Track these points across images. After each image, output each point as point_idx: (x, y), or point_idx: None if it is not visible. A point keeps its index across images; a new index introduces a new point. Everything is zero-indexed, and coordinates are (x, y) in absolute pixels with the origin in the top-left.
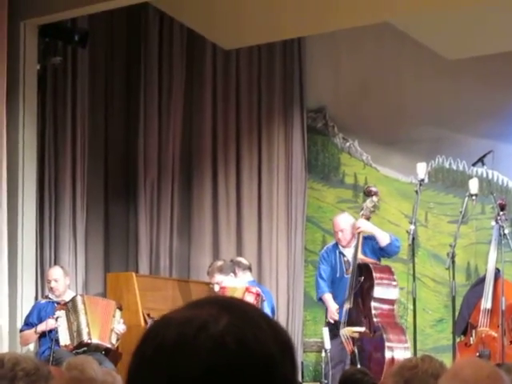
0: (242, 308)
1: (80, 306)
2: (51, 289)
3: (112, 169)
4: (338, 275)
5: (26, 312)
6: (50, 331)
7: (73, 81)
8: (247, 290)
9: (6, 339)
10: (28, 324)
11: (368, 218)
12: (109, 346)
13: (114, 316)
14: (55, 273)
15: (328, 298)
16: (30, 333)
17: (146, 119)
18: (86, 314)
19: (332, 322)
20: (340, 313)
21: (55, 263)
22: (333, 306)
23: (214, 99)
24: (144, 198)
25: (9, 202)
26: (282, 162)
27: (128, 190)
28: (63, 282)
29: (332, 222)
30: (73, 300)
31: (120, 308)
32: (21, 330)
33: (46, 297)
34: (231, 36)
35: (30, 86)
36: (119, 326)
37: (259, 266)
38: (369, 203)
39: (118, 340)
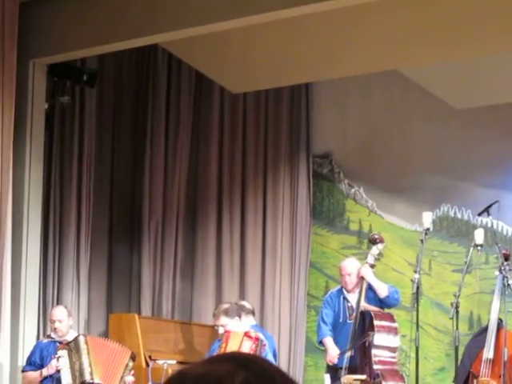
0: (260, 365)
1: (82, 346)
2: (55, 329)
3: (117, 209)
4: (341, 320)
5: (27, 351)
6: (53, 373)
7: (80, 120)
8: (246, 334)
9: (6, 378)
10: (30, 363)
11: (373, 266)
12: None
13: (127, 365)
14: (59, 313)
15: (329, 341)
16: (35, 375)
17: (152, 160)
18: (88, 353)
19: (331, 364)
20: (342, 359)
21: (58, 302)
22: (333, 349)
23: (220, 142)
24: (148, 240)
25: (13, 240)
26: (286, 206)
27: (132, 231)
28: (67, 323)
29: (339, 266)
30: (75, 340)
31: (133, 358)
32: (23, 370)
33: (48, 336)
34: (239, 80)
35: (37, 124)
36: (129, 378)
37: (262, 310)
38: (374, 251)
39: None
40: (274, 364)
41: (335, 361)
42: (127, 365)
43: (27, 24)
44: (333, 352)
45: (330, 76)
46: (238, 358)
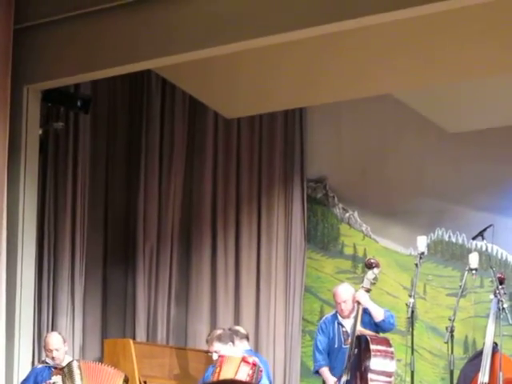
0: None
1: (76, 371)
2: (53, 358)
3: (111, 234)
4: (336, 346)
5: (22, 376)
6: None
7: (74, 146)
8: (243, 360)
9: None
10: None
11: (368, 291)
12: None
13: None
14: (56, 342)
15: (325, 371)
16: None
17: (146, 185)
18: (81, 379)
19: None
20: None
21: (53, 327)
22: (331, 380)
23: (214, 166)
24: (143, 264)
25: (8, 265)
26: (281, 230)
27: (127, 256)
28: (63, 350)
29: (333, 293)
30: (68, 365)
31: (126, 381)
32: None
33: (43, 361)
34: (232, 105)
35: (31, 149)
36: None
37: (256, 335)
38: (370, 275)
39: None
40: None
41: None
42: None
43: (21, 50)
44: (331, 382)
45: (323, 101)
46: None
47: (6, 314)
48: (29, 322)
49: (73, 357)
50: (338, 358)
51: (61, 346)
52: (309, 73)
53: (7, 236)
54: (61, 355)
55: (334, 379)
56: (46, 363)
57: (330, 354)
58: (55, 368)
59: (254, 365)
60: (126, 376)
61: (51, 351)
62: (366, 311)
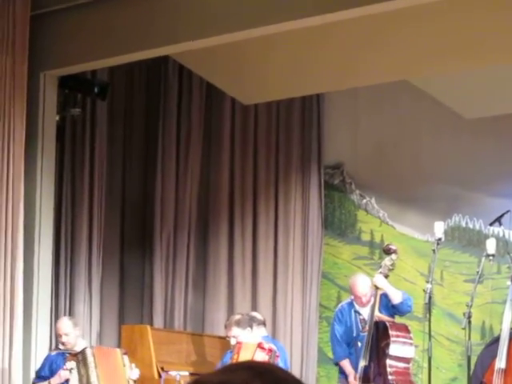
0: (275, 374)
1: (90, 359)
2: (63, 343)
3: (128, 221)
4: (354, 334)
5: (40, 363)
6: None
7: (91, 132)
8: (259, 346)
9: None
10: (40, 377)
11: (386, 276)
12: None
13: (124, 365)
14: (65, 327)
15: (346, 364)
16: None
17: (163, 172)
18: (96, 367)
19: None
20: (355, 370)
21: (70, 314)
22: (351, 373)
23: (231, 153)
24: (160, 251)
25: (25, 252)
26: (298, 217)
27: (144, 243)
28: (74, 335)
29: (351, 286)
30: (83, 352)
31: (126, 353)
32: (33, 383)
33: (57, 348)
34: (250, 91)
35: (48, 136)
36: (133, 373)
37: (274, 321)
38: (387, 261)
39: None
40: (289, 372)
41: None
42: (124, 364)
43: (38, 36)
44: (351, 377)
45: (341, 87)
46: (253, 367)
47: (23, 301)
48: (46, 310)
49: (90, 343)
50: (356, 346)
51: (71, 331)
52: (333, 58)
53: (24, 223)
54: (71, 340)
55: (354, 373)
56: (60, 349)
57: (348, 343)
58: (69, 354)
59: (270, 350)
60: (121, 349)
61: (61, 336)
62: (382, 295)
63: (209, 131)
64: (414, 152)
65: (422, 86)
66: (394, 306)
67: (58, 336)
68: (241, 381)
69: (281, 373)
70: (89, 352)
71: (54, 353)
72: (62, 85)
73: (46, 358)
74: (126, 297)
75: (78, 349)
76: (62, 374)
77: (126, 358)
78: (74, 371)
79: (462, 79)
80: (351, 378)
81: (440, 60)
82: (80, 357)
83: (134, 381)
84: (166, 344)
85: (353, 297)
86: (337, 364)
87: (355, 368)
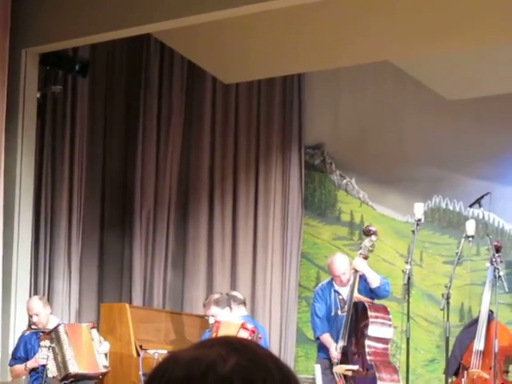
0: (252, 350)
1: (63, 337)
2: (34, 323)
3: (108, 199)
4: (332, 314)
5: (16, 343)
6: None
7: (72, 109)
8: (243, 326)
9: None
10: (16, 358)
11: (366, 258)
12: (103, 371)
13: (92, 339)
14: (35, 307)
15: (327, 337)
16: (20, 368)
17: (143, 150)
18: (70, 344)
19: (335, 361)
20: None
21: (49, 291)
22: (333, 345)
23: (212, 132)
24: (139, 229)
25: (4, 229)
26: (278, 197)
27: (124, 221)
28: (44, 314)
29: (329, 266)
30: (55, 331)
31: (94, 327)
32: (10, 365)
33: (29, 327)
34: (231, 70)
35: (29, 113)
36: (103, 346)
37: (253, 301)
38: (367, 242)
39: (107, 358)
40: (266, 349)
41: (338, 356)
42: (92, 339)
43: (19, 13)
44: (333, 349)
45: (322, 67)
46: (230, 342)
47: (2, 278)
48: (25, 287)
49: (69, 320)
50: (335, 325)
51: (41, 311)
52: (314, 38)
53: (4, 200)
54: (42, 319)
55: (335, 344)
56: (33, 329)
57: (327, 321)
58: (43, 333)
59: (253, 331)
60: (89, 323)
61: (31, 316)
62: (362, 277)
63: (190, 110)
64: (395, 133)
65: (404, 67)
66: (371, 290)
67: (29, 316)
68: (216, 356)
69: (258, 349)
70: (62, 330)
71: (27, 332)
72: (43, 62)
73: (20, 338)
74: (106, 275)
75: (50, 327)
76: (40, 358)
77: (94, 331)
78: (48, 351)
79: (443, 61)
80: (332, 349)
81: (422, 40)
82: (53, 335)
83: (105, 354)
84: (145, 322)
85: (332, 277)
86: (318, 338)
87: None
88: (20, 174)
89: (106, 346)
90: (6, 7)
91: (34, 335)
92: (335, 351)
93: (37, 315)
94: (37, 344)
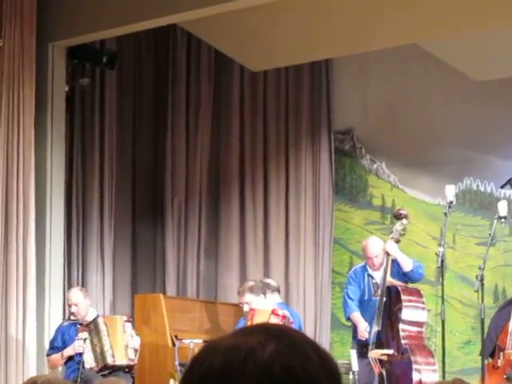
0: (291, 336)
1: (102, 327)
2: (73, 313)
3: (140, 191)
4: (366, 297)
5: (53, 333)
6: (75, 355)
7: (101, 102)
8: (273, 312)
9: (33, 361)
10: (53, 348)
11: (398, 241)
12: (130, 363)
13: (124, 331)
14: (75, 297)
15: (357, 316)
16: (57, 357)
17: (173, 141)
18: (108, 335)
19: (363, 339)
20: (369, 335)
21: (83, 284)
22: (363, 324)
23: (241, 120)
24: (171, 220)
25: (37, 223)
26: (309, 183)
27: (155, 212)
28: (84, 305)
29: (363, 248)
30: (95, 322)
31: (128, 320)
32: (47, 355)
33: (69, 318)
34: (259, 58)
35: (58, 107)
36: (134, 341)
37: (286, 288)
38: (399, 226)
39: (136, 353)
40: (304, 334)
41: (366, 335)
42: (125, 331)
43: (46, 7)
44: (363, 327)
45: (350, 52)
46: (268, 329)
47: (36, 272)
48: (59, 280)
49: (103, 313)
50: (368, 309)
51: (80, 301)
52: (341, 23)
53: (36, 194)
54: (81, 310)
55: (366, 324)
56: (72, 320)
57: (360, 305)
58: (81, 324)
59: (284, 317)
60: (125, 316)
61: (70, 306)
62: (394, 262)
63: (218, 99)
64: (424, 116)
65: (431, 50)
66: (404, 274)
67: (68, 306)
68: (255, 343)
69: (296, 334)
70: (101, 321)
71: (65, 323)
72: (70, 55)
73: (58, 329)
74: (139, 266)
75: (88, 319)
76: (76, 346)
77: (128, 325)
78: (86, 342)
79: (470, 42)
80: (361, 327)
81: (449, 23)
82: (92, 326)
83: (135, 350)
84: (180, 312)
85: (366, 260)
86: (348, 318)
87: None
88: (51, 168)
89: (136, 341)
90: (32, 2)
91: (73, 326)
92: (364, 330)
93: (76, 305)
94: (74, 335)
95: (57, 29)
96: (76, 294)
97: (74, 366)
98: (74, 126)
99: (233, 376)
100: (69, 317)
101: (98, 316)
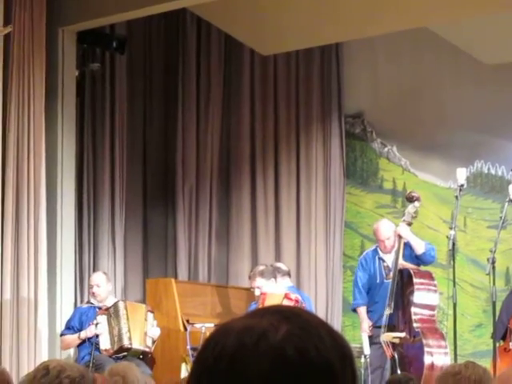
0: (303, 317)
1: (122, 311)
2: (93, 294)
3: (150, 175)
4: (377, 281)
5: (65, 317)
6: (91, 337)
7: (111, 86)
8: (286, 296)
9: (45, 344)
10: (69, 328)
11: (410, 224)
12: (146, 349)
13: (146, 320)
14: (97, 278)
15: (362, 311)
16: (73, 338)
17: (184, 125)
18: (127, 319)
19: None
20: (381, 318)
21: (94, 269)
22: (366, 321)
23: (251, 104)
24: (182, 204)
25: (48, 208)
26: (320, 167)
27: (166, 196)
28: (105, 288)
29: (374, 231)
30: (115, 305)
31: (151, 311)
32: (61, 334)
33: (88, 302)
34: (270, 42)
35: (68, 92)
36: (153, 330)
37: (298, 272)
38: (411, 209)
39: (153, 343)
40: (318, 317)
41: (368, 333)
42: (146, 319)
43: None
44: (365, 325)
45: (360, 35)
46: (281, 311)
47: (47, 256)
48: (70, 265)
49: (115, 297)
50: (380, 292)
51: (102, 283)
52: (351, 7)
53: (46, 180)
54: (102, 292)
55: (369, 322)
56: (91, 303)
57: (372, 289)
58: (100, 308)
59: (297, 301)
60: (147, 306)
61: (92, 287)
62: (406, 244)
63: (228, 83)
64: (435, 99)
65: (441, 33)
66: (417, 257)
67: (89, 287)
68: (268, 325)
69: (308, 316)
70: (121, 305)
71: (85, 305)
72: (80, 40)
73: (77, 310)
74: (150, 250)
75: (108, 304)
76: (92, 328)
77: (150, 315)
78: (104, 324)
79: (481, 25)
80: (364, 325)
81: (461, 5)
82: (112, 310)
83: (154, 340)
84: (191, 296)
85: (377, 243)
86: (354, 310)
87: (372, 318)
88: (61, 153)
89: (156, 331)
90: None
91: (92, 309)
92: (367, 328)
93: (98, 286)
94: (93, 318)
95: (67, 13)
96: (99, 276)
97: (87, 349)
98: (85, 111)
99: (245, 358)
100: (88, 301)
101: (118, 300)
